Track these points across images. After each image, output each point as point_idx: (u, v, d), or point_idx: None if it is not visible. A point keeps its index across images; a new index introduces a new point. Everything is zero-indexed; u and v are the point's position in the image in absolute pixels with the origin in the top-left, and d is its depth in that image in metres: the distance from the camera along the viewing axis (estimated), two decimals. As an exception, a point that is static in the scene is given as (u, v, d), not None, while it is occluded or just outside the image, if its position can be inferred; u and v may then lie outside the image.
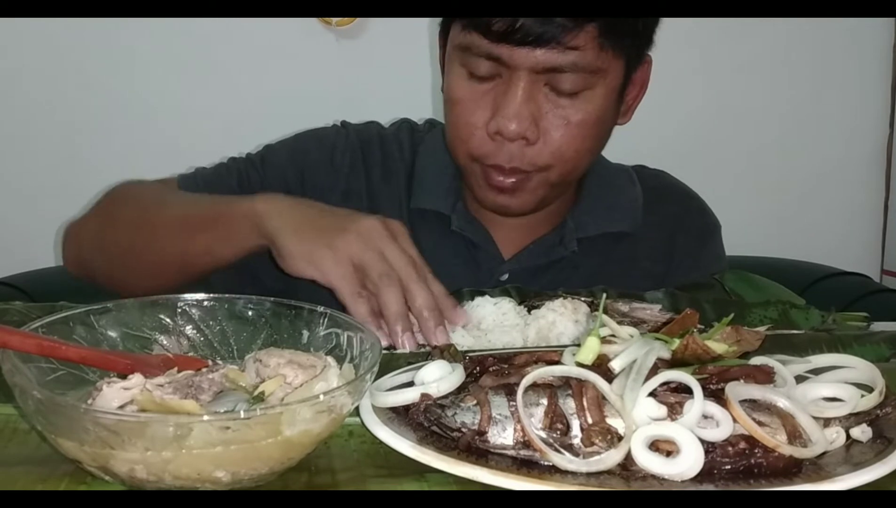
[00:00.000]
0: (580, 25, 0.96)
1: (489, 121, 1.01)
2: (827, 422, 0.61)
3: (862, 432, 0.61)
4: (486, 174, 1.04)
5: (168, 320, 0.69)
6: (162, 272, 1.03)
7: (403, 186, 1.15)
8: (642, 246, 1.17)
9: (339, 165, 1.16)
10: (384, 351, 0.82)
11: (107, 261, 1.10)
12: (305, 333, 0.69)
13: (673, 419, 0.57)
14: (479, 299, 0.89)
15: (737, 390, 0.58)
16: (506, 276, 1.12)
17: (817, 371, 0.67)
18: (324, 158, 1.16)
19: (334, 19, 1.75)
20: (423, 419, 0.60)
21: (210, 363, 0.67)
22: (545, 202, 1.09)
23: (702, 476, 0.54)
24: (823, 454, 0.58)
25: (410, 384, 0.64)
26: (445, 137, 1.10)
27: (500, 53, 0.98)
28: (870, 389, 0.64)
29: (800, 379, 0.65)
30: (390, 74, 1.77)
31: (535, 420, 0.57)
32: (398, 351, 0.83)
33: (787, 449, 0.56)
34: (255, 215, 0.94)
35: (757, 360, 0.64)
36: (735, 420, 0.56)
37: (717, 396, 0.58)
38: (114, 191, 1.15)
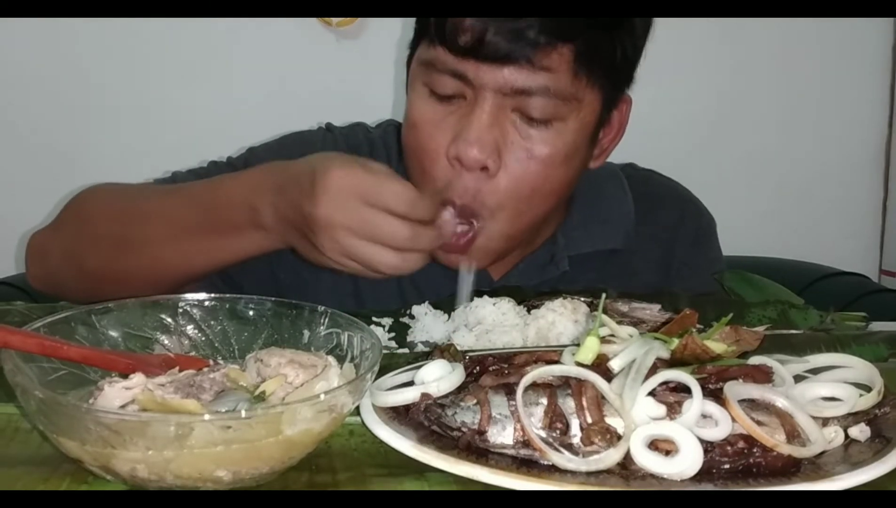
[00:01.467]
0: (552, 45, 0.89)
1: (449, 145, 0.92)
2: (825, 422, 0.61)
3: (860, 431, 0.61)
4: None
5: (169, 319, 0.69)
6: (155, 285, 0.92)
7: None
8: (637, 259, 1.12)
9: None
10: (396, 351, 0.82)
11: (82, 277, 1.00)
12: (306, 332, 0.69)
13: (672, 419, 0.57)
14: (478, 300, 0.89)
15: (735, 389, 0.58)
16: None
17: (816, 371, 0.67)
18: None
19: (334, 19, 1.75)
20: (423, 419, 0.60)
21: (211, 362, 0.67)
22: (503, 255, 1.02)
23: (701, 476, 0.55)
24: (822, 453, 0.58)
25: (411, 383, 0.64)
26: (405, 165, 1.01)
27: (465, 70, 0.90)
28: (868, 388, 0.64)
29: (798, 379, 0.65)
30: (390, 74, 1.77)
31: (534, 420, 0.58)
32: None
33: (785, 449, 0.56)
34: (261, 227, 0.88)
35: (756, 360, 0.64)
36: (734, 420, 0.56)
37: (715, 395, 0.59)
38: (81, 200, 1.06)
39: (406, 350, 0.84)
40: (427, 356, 0.71)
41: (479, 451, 0.57)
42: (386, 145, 1.14)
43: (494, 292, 0.91)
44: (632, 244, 1.11)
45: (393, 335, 0.88)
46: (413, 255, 0.83)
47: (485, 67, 0.90)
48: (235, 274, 1.03)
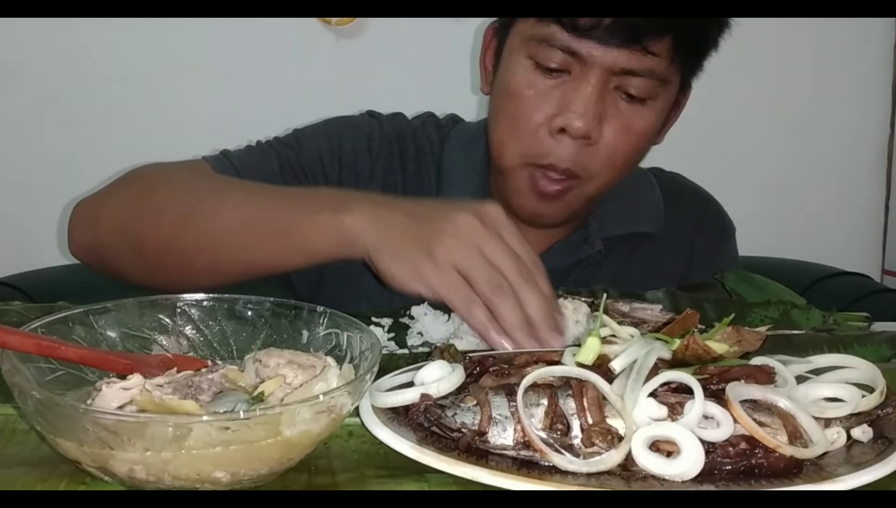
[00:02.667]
0: (664, 32, 0.95)
1: (553, 117, 0.98)
2: (828, 422, 0.61)
3: (863, 432, 0.61)
4: (532, 179, 1.02)
5: (167, 320, 0.69)
6: (214, 275, 0.92)
7: (433, 183, 1.14)
8: (664, 247, 1.18)
9: (377, 154, 1.14)
10: (397, 351, 0.82)
11: (138, 253, 0.97)
12: (305, 333, 0.69)
13: (673, 420, 0.57)
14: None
15: (737, 390, 0.58)
16: None
17: (818, 372, 0.67)
18: (361, 145, 1.13)
19: (334, 19, 1.75)
20: (423, 420, 0.60)
21: (209, 363, 0.67)
22: (571, 218, 1.09)
23: (702, 477, 0.54)
24: (824, 454, 0.58)
25: (410, 384, 0.64)
26: (492, 134, 1.06)
27: (579, 48, 0.96)
28: (871, 389, 0.63)
29: (800, 379, 0.65)
30: (390, 74, 1.77)
31: (535, 421, 0.57)
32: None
33: (787, 450, 0.56)
34: (345, 232, 0.85)
35: (758, 360, 0.64)
36: (736, 421, 0.56)
37: (717, 396, 0.58)
38: (140, 173, 1.03)
39: (405, 351, 0.83)
40: (427, 357, 0.71)
41: (479, 452, 0.57)
42: (427, 134, 1.18)
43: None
44: (659, 232, 1.17)
45: (392, 335, 0.88)
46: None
47: (599, 47, 0.96)
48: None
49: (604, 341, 0.64)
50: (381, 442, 0.58)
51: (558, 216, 1.07)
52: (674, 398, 0.58)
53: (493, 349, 0.79)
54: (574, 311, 0.84)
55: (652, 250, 1.17)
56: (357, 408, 0.61)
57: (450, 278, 0.80)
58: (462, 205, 0.85)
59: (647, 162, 1.27)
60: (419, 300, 0.87)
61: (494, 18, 1.11)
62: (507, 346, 0.79)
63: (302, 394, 0.59)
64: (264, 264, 0.93)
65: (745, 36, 1.83)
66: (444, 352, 0.68)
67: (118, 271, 1.00)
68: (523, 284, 0.80)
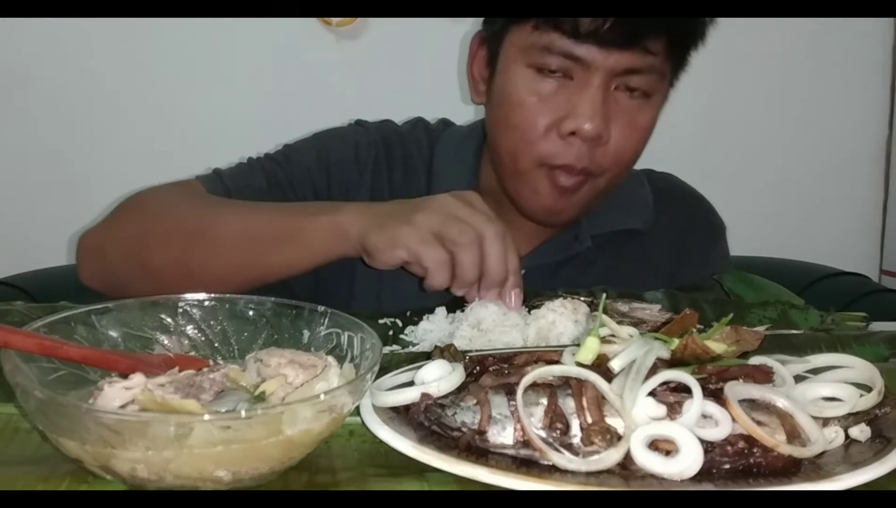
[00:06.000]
0: (661, 31, 0.98)
1: (561, 121, 1.00)
2: (826, 422, 0.61)
3: (861, 431, 0.61)
4: (551, 177, 1.03)
5: (169, 319, 0.69)
6: (222, 285, 0.92)
7: (424, 186, 1.15)
8: (654, 245, 1.18)
9: (364, 163, 1.15)
10: (398, 351, 0.83)
11: (146, 274, 1.00)
12: (306, 332, 0.69)
13: (672, 419, 0.57)
14: (479, 300, 0.88)
15: (736, 389, 0.58)
16: (522, 272, 1.11)
17: (816, 371, 0.67)
18: (348, 155, 1.15)
19: (334, 19, 1.75)
20: (423, 419, 0.60)
21: (211, 362, 0.67)
22: (583, 213, 1.10)
23: (701, 476, 0.54)
24: (822, 453, 0.58)
25: (411, 383, 0.64)
26: (500, 142, 1.07)
27: (580, 53, 0.97)
28: (869, 389, 0.64)
29: (799, 379, 0.65)
30: (390, 75, 1.77)
31: (534, 420, 0.58)
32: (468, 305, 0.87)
33: (786, 449, 0.56)
34: (340, 227, 0.92)
35: (756, 360, 0.64)
36: (734, 420, 0.56)
37: (716, 395, 0.58)
38: (141, 198, 1.08)
39: (409, 350, 0.84)
40: (427, 357, 0.71)
41: (479, 451, 0.57)
42: (416, 139, 1.19)
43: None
44: (649, 229, 1.17)
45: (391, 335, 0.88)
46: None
47: (601, 51, 0.97)
48: None
49: (603, 340, 0.64)
50: (381, 441, 0.58)
51: (573, 212, 1.08)
52: (672, 398, 0.58)
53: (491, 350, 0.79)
54: (573, 311, 0.85)
55: (641, 247, 1.18)
56: (358, 407, 0.61)
57: (425, 238, 0.86)
58: (443, 194, 0.92)
59: (647, 162, 1.28)
60: (408, 305, 0.89)
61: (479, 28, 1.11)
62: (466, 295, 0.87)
63: (303, 393, 0.59)
64: (272, 270, 0.97)
65: (745, 36, 1.84)
66: (444, 352, 0.68)
67: (130, 294, 1.02)
68: (491, 236, 0.86)
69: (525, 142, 1.03)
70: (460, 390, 0.61)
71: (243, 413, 0.53)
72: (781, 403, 0.59)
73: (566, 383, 0.60)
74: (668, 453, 0.55)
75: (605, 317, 0.68)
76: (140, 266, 1.01)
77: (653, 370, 0.60)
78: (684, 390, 0.58)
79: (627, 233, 1.17)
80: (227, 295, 0.71)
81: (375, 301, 1.10)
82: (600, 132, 0.99)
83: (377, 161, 1.16)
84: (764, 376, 0.62)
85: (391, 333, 0.88)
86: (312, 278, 1.09)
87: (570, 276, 1.11)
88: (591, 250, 1.14)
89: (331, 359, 0.64)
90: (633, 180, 1.20)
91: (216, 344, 0.70)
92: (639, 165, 1.25)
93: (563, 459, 0.55)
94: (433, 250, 0.86)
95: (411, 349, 0.85)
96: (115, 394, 0.58)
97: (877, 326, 0.95)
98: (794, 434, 0.57)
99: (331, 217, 0.93)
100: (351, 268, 1.09)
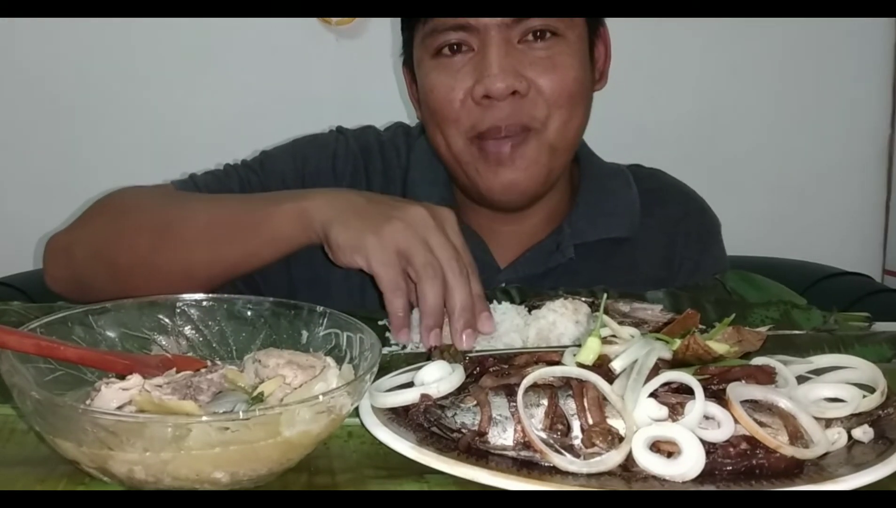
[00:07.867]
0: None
1: (472, 88, 1.00)
2: (828, 423, 0.61)
3: (863, 432, 0.61)
4: (483, 150, 1.02)
5: (167, 320, 0.69)
6: (189, 280, 0.93)
7: (400, 195, 1.13)
8: (641, 251, 1.14)
9: (342, 173, 1.14)
10: (398, 351, 0.82)
11: (113, 274, 0.99)
12: (305, 333, 0.69)
13: (674, 420, 0.56)
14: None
15: (738, 390, 0.58)
16: (502, 285, 1.10)
17: (819, 372, 0.67)
18: (325, 165, 1.14)
19: (334, 19, 1.75)
20: (422, 420, 0.60)
21: (209, 363, 0.67)
22: (551, 179, 1.07)
23: (703, 477, 0.54)
24: (825, 454, 0.58)
25: (410, 384, 0.64)
26: (431, 138, 1.08)
27: (466, 21, 0.98)
28: (871, 389, 0.63)
29: (801, 380, 0.65)
30: (390, 74, 1.77)
31: (535, 421, 0.57)
32: (415, 350, 0.83)
33: (788, 450, 0.55)
34: (304, 212, 0.90)
35: (758, 360, 0.64)
36: (736, 421, 0.56)
37: (718, 396, 0.58)
38: (110, 199, 1.07)
39: (422, 349, 0.83)
40: (426, 357, 0.71)
41: (479, 453, 0.57)
42: (395, 146, 1.18)
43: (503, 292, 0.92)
44: (637, 235, 1.14)
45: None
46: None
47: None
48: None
49: (604, 341, 0.64)
50: (380, 443, 0.58)
51: (532, 181, 1.04)
52: (674, 399, 0.58)
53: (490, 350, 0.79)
54: (574, 311, 0.84)
55: (629, 255, 1.13)
56: (357, 408, 0.61)
57: (388, 257, 0.84)
58: (418, 202, 0.90)
59: (647, 162, 1.28)
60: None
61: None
62: (404, 340, 0.83)
63: (301, 394, 0.59)
64: (237, 260, 0.96)
65: (745, 36, 1.84)
66: (444, 352, 0.68)
67: (94, 297, 1.00)
68: (457, 275, 0.84)
69: (447, 121, 1.03)
70: (460, 391, 0.61)
71: (241, 415, 0.52)
72: (784, 404, 0.58)
73: (567, 384, 0.59)
74: (669, 454, 0.55)
75: (606, 317, 0.68)
76: (107, 266, 1.00)
77: (654, 371, 0.60)
78: (686, 391, 0.58)
79: (613, 240, 1.12)
80: (225, 295, 0.70)
81: (360, 296, 1.09)
82: (512, 86, 0.98)
83: (355, 172, 1.15)
84: (766, 376, 0.61)
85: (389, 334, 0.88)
86: (286, 286, 1.09)
87: (554, 288, 1.08)
88: (574, 261, 1.10)
89: (329, 360, 0.63)
90: (619, 182, 1.17)
91: (214, 345, 0.69)
92: (629, 160, 1.25)
93: (565, 460, 0.55)
94: (392, 273, 0.83)
95: (413, 349, 0.84)
96: (112, 395, 0.57)
97: (879, 326, 0.94)
98: (796, 436, 0.57)
99: (295, 203, 0.92)
100: (326, 282, 1.08)
